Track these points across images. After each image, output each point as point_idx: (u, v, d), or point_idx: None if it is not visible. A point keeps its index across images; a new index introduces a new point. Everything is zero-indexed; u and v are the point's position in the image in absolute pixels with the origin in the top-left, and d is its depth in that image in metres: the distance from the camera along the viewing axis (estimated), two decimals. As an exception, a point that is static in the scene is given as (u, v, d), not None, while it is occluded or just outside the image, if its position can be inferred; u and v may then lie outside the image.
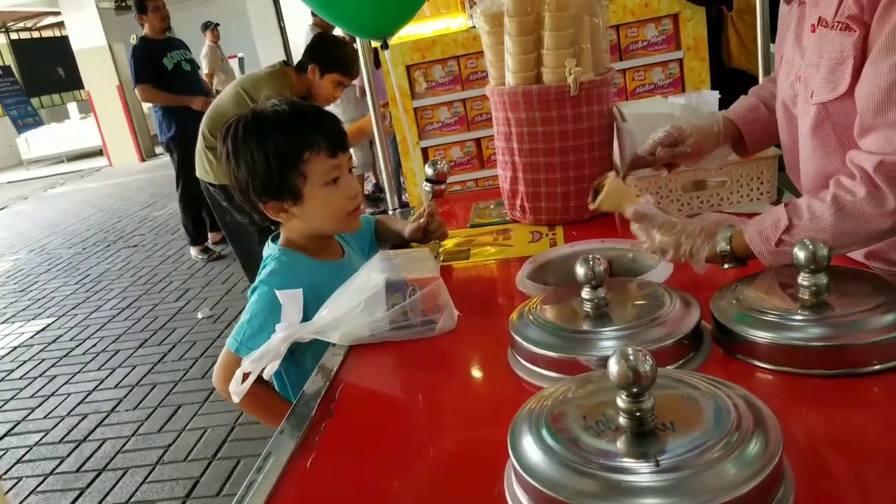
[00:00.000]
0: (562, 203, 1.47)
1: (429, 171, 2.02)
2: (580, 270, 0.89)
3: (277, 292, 1.11)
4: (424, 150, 2.78)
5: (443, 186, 2.01)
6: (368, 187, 6.34)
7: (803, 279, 0.84)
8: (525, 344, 0.89)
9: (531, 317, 0.93)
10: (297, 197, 1.21)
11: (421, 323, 1.08)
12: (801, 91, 1.02)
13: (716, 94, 1.59)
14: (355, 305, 1.08)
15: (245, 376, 1.04)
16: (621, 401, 0.63)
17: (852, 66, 0.92)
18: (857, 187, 0.91)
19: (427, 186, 2.03)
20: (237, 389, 1.04)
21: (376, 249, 1.46)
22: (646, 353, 0.63)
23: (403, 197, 3.74)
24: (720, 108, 1.74)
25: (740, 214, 1.34)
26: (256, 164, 1.19)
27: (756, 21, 1.92)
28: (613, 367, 0.63)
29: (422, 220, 1.43)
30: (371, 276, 1.10)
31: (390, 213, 2.26)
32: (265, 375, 1.06)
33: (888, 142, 0.89)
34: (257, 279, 1.24)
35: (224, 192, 3.16)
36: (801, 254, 0.83)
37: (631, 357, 0.62)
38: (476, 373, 1.01)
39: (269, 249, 1.29)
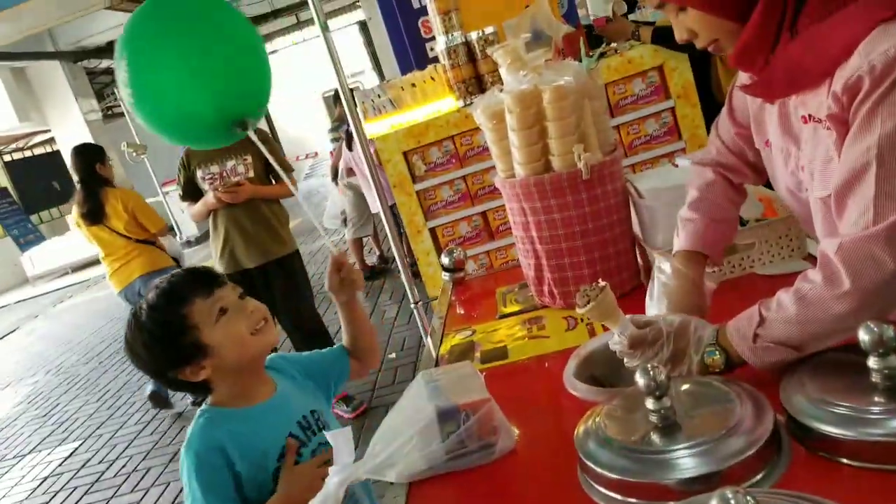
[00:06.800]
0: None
1: (445, 260, 2.02)
2: (641, 381, 0.87)
3: (326, 434, 1.09)
4: (432, 231, 2.78)
5: (461, 274, 2.01)
6: (372, 259, 6.34)
7: (874, 363, 0.81)
8: (599, 470, 0.85)
9: (597, 436, 0.90)
10: (203, 349, 1.20)
11: (479, 448, 1.04)
12: (807, 180, 1.01)
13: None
14: (408, 439, 1.04)
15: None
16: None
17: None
18: (816, 274, 0.90)
19: (446, 276, 2.02)
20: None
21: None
22: (745, 495, 0.60)
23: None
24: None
25: (775, 276, 1.33)
26: (153, 351, 1.20)
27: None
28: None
29: (329, 270, 1.40)
30: (419, 404, 1.08)
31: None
32: (328, 525, 1.03)
33: (850, 223, 0.88)
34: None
35: None
36: (866, 337, 0.80)
37: (732, 502, 0.60)
38: (549, 498, 0.97)
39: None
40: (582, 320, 1.43)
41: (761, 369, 0.95)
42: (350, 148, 5.38)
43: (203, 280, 1.24)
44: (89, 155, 4.00)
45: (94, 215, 3.91)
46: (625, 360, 1.05)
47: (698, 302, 1.17)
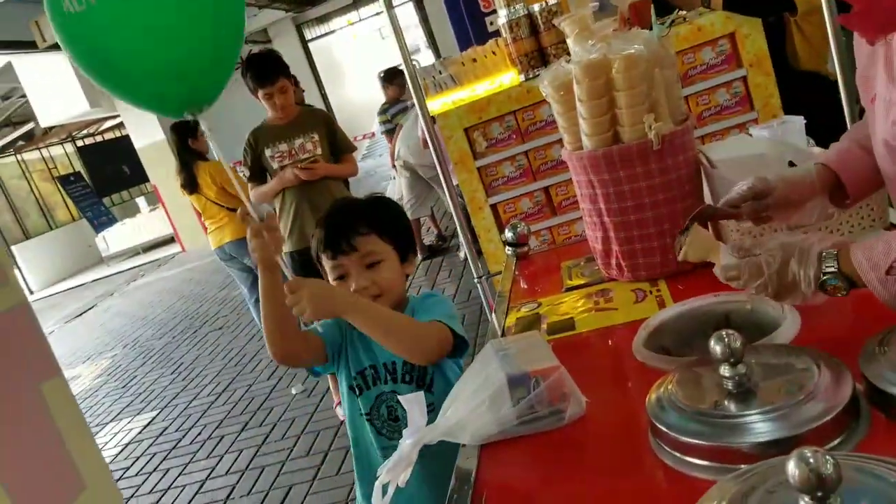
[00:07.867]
0: (661, 257, 1.44)
1: (508, 235, 2.03)
2: (716, 348, 0.87)
3: (400, 398, 1.14)
4: (494, 207, 2.79)
5: (525, 248, 2.02)
6: (430, 238, 6.38)
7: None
8: (672, 434, 0.86)
9: (670, 401, 0.90)
10: None
11: (549, 413, 1.06)
12: None
13: (800, 120, 1.53)
14: (479, 404, 1.07)
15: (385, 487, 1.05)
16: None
17: None
18: None
19: (509, 251, 2.04)
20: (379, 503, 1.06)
21: None
22: (825, 454, 0.61)
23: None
24: (795, 113, 1.69)
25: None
26: None
27: (823, 21, 1.85)
28: (793, 470, 0.61)
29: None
30: (489, 371, 1.10)
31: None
32: (401, 483, 1.07)
33: None
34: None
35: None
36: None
37: (811, 460, 0.60)
38: (620, 462, 0.98)
39: None
40: (650, 292, 1.43)
41: (885, 301, 0.92)
42: None
43: (331, 243, 1.39)
44: (181, 131, 4.46)
45: (190, 186, 4.44)
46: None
47: (798, 195, 1.16)
